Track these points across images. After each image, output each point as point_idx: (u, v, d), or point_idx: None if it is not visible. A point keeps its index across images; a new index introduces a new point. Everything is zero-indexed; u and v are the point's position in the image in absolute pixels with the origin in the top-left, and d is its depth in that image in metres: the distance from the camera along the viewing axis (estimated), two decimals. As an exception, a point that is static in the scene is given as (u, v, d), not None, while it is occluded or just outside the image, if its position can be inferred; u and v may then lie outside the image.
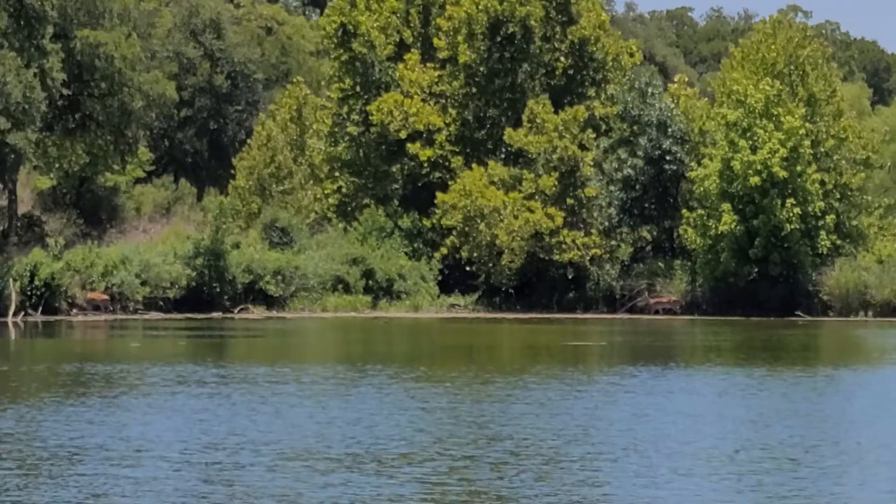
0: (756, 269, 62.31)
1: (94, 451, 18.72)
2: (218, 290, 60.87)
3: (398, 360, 36.59)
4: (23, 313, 55.45)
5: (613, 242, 67.01)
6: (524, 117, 66.87)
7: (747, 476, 16.90)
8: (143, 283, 58.83)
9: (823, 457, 18.82)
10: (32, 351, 42.02)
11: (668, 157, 66.05)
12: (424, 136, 67.98)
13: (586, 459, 18.06)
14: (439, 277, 66.07)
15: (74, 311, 57.32)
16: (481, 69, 68.60)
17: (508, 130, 66.88)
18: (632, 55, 70.96)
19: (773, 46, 67.48)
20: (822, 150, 65.75)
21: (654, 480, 16.60)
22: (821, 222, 63.43)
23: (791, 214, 61.81)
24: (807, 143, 63.21)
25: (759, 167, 62.13)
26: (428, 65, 69.68)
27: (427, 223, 67.33)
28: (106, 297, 57.35)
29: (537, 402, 25.37)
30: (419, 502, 15.05)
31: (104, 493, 15.48)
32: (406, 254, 66.33)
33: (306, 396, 26.06)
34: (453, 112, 68.81)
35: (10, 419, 22.23)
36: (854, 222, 66.08)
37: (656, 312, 63.44)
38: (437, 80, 69.21)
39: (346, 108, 69.99)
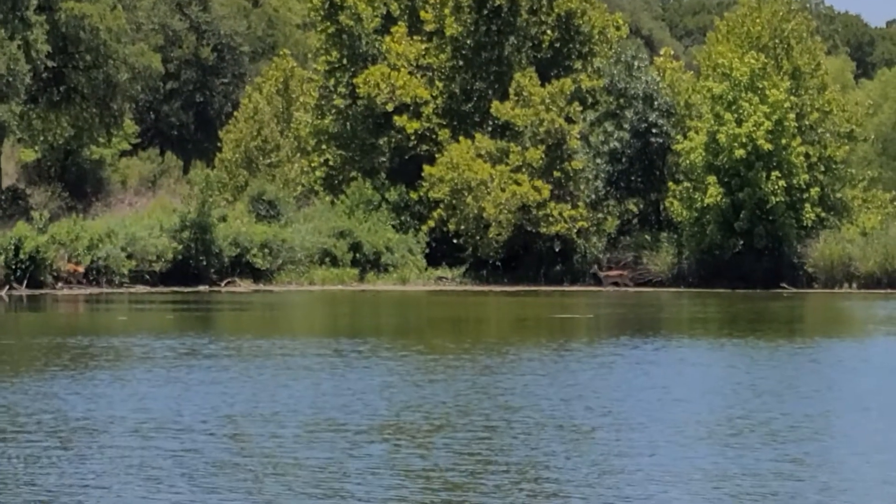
0: (741, 242, 62.67)
1: (118, 424, 18.76)
2: (204, 263, 60.77)
3: (396, 333, 36.73)
4: (7, 287, 55.27)
5: (600, 215, 67.22)
6: (511, 90, 66.89)
7: (777, 445, 17.13)
8: (129, 257, 58.62)
9: (851, 425, 19.14)
10: (25, 324, 41.86)
11: (654, 130, 66.26)
12: (411, 108, 67.93)
13: (612, 429, 18.24)
14: (426, 250, 66.16)
15: (60, 284, 57.17)
16: (468, 42, 68.54)
17: (495, 103, 66.90)
18: (618, 28, 71.05)
19: (758, 20, 67.69)
20: (807, 123, 66.09)
21: (689, 449, 16.79)
22: (805, 195, 63.81)
23: (776, 187, 62.14)
24: (791, 116, 63.50)
25: (744, 140, 62.41)
26: (415, 38, 69.56)
27: (414, 196, 67.37)
28: (81, 269, 56.94)
29: (546, 373, 25.55)
30: (459, 472, 15.18)
31: (140, 465, 15.54)
32: (393, 227, 66.36)
33: (316, 369, 26.15)
34: (440, 85, 68.76)
35: (27, 392, 22.23)
36: (838, 195, 66.51)
37: (600, 283, 63.73)
38: (423, 52, 69.10)
39: (332, 81, 69.81)
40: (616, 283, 63.91)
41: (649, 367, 27.08)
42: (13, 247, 55.88)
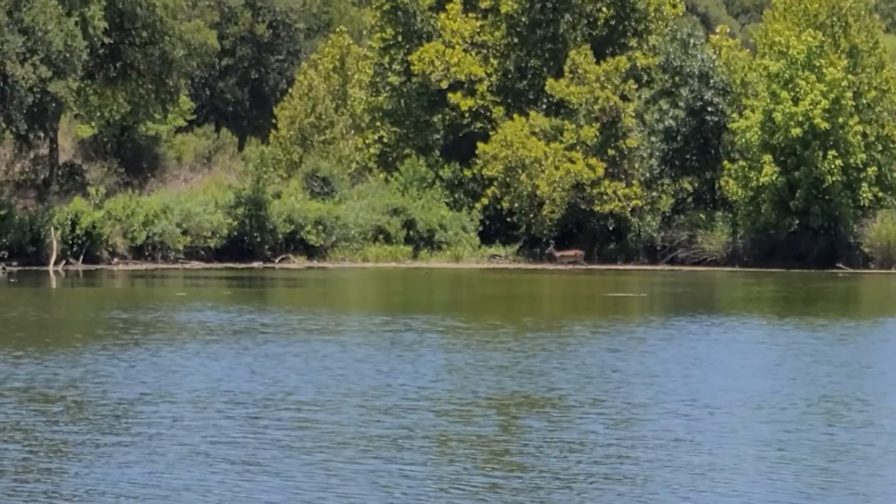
0: (797, 221, 62.39)
1: (251, 395, 18.74)
2: (259, 239, 60.99)
3: (468, 311, 36.68)
4: (64, 262, 55.59)
5: (654, 194, 67.03)
6: (566, 68, 66.68)
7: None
8: (184, 233, 58.92)
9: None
10: (90, 299, 41.99)
11: (709, 109, 65.98)
12: (466, 86, 67.83)
13: (750, 407, 18.21)
14: (480, 228, 66.16)
15: (115, 259, 57.45)
16: (523, 19, 68.32)
17: (550, 81, 66.72)
18: (674, 6, 70.67)
19: (815, -2, 67.25)
20: (864, 101, 65.65)
21: (832, 426, 16.76)
22: (862, 174, 63.45)
23: (832, 166, 61.81)
24: (849, 94, 63.10)
25: (800, 119, 62.07)
26: (470, 15, 69.39)
27: (468, 173, 67.33)
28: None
29: (634, 349, 25.49)
30: (621, 447, 15.20)
31: (310, 437, 15.51)
32: (447, 204, 66.37)
33: (417, 344, 26.11)
34: (495, 62, 68.60)
35: (134, 364, 22.28)
36: (896, 174, 66.17)
37: (553, 262, 62.80)
38: (478, 30, 68.92)
39: (387, 58, 69.76)
40: (574, 262, 63.08)
41: (735, 346, 26.96)
42: (70, 222, 56.25)
